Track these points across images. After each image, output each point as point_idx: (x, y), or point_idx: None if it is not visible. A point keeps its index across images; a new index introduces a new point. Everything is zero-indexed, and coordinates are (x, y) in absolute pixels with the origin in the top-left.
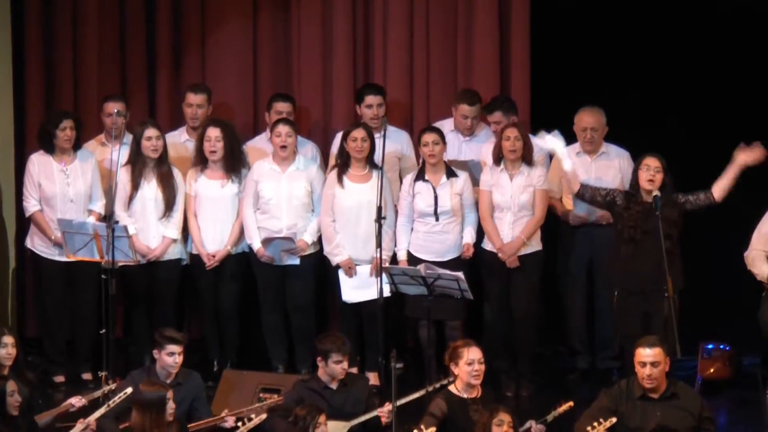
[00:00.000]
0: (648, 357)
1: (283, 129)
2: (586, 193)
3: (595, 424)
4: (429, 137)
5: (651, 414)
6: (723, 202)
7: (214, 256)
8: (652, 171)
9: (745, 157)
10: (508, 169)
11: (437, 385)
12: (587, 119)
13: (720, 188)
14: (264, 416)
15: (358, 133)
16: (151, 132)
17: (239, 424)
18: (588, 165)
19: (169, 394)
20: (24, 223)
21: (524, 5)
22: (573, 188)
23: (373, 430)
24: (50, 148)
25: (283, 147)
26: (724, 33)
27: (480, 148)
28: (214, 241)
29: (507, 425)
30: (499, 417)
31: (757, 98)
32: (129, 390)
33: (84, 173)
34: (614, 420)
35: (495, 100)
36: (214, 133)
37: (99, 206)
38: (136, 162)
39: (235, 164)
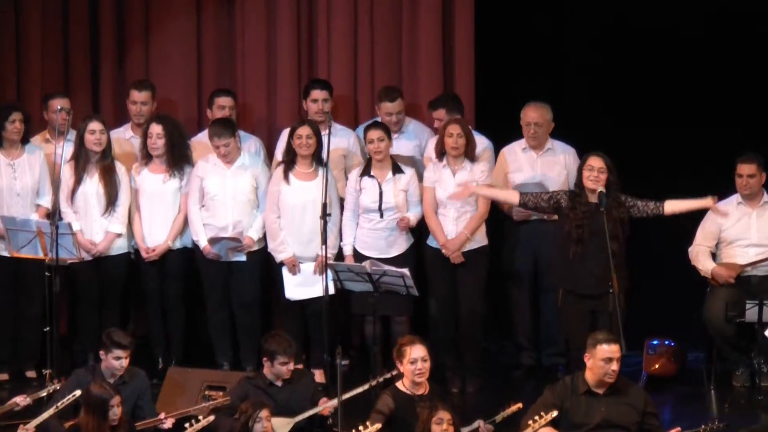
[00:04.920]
0: (614, 353)
1: (219, 141)
2: (528, 202)
3: (536, 417)
4: (374, 134)
5: (596, 409)
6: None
7: (154, 250)
8: (596, 171)
9: (713, 208)
10: (450, 165)
11: (381, 379)
12: (531, 114)
13: (674, 208)
14: (212, 418)
15: (304, 131)
16: (94, 125)
17: (186, 425)
18: (533, 161)
19: (115, 401)
20: None
21: (468, 0)
22: (513, 202)
23: (318, 424)
24: None
25: (224, 155)
26: (666, 26)
27: (410, 143)
28: (154, 235)
29: (447, 423)
30: (438, 415)
31: (700, 85)
32: (78, 392)
33: (32, 167)
34: (555, 413)
35: (440, 97)
36: (156, 129)
37: (46, 201)
38: (79, 157)
39: (176, 160)
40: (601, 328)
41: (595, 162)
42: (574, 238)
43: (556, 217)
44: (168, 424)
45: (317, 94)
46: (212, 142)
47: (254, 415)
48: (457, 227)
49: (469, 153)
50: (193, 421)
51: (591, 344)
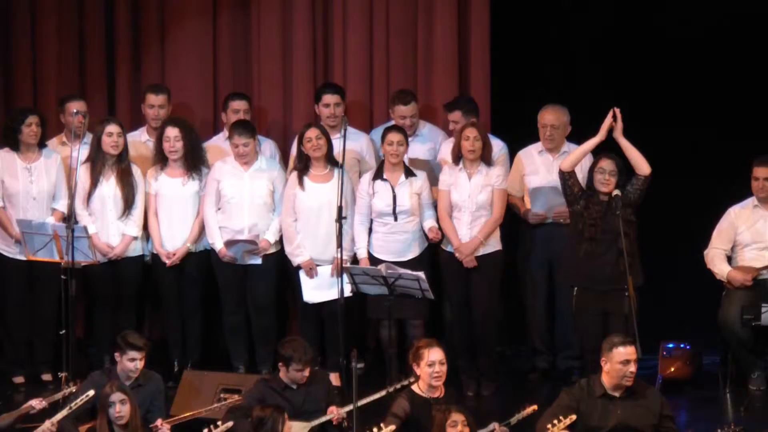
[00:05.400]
0: (631, 354)
1: (239, 140)
2: (572, 177)
3: (555, 421)
4: (395, 137)
5: (612, 412)
6: (685, 201)
7: (174, 254)
8: (607, 174)
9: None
10: (466, 169)
11: (398, 386)
12: (548, 117)
13: (634, 164)
14: (230, 424)
15: (312, 133)
16: (112, 128)
17: (205, 430)
18: (550, 164)
19: (115, 396)
20: None
21: (484, 4)
22: (571, 162)
23: (333, 429)
24: (15, 145)
25: (242, 155)
26: (686, 31)
27: (424, 147)
28: (174, 239)
29: (461, 425)
30: (452, 418)
31: (714, 86)
32: (91, 393)
33: (48, 171)
34: (574, 417)
35: (456, 99)
36: (173, 132)
37: (62, 205)
38: (96, 159)
39: (195, 162)
40: (614, 330)
41: (606, 164)
42: (586, 236)
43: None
44: (164, 430)
45: (329, 98)
46: (231, 141)
47: (281, 418)
48: (471, 231)
49: (486, 156)
50: (212, 426)
51: (607, 348)
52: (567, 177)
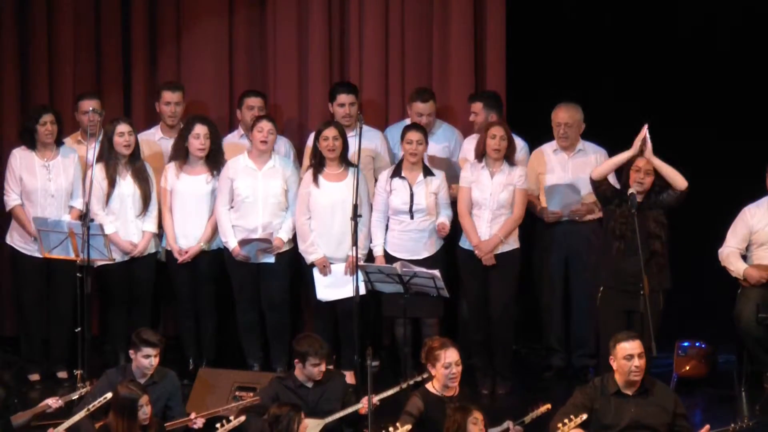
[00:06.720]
0: (635, 349)
1: (265, 125)
2: (603, 184)
3: (566, 420)
4: (414, 135)
5: (625, 410)
6: (702, 202)
7: (186, 252)
8: (642, 173)
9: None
10: (489, 167)
11: (411, 382)
12: (561, 115)
13: (670, 181)
14: (242, 418)
15: (330, 132)
16: (122, 128)
17: (217, 425)
18: (565, 162)
19: (143, 399)
20: (2, 219)
21: (500, 3)
22: (601, 173)
23: (348, 425)
24: (32, 143)
25: (264, 142)
26: (701, 31)
27: (439, 145)
28: (190, 236)
29: (481, 423)
30: (474, 415)
31: (733, 85)
32: (109, 395)
33: (66, 169)
34: (585, 416)
35: (481, 92)
36: (203, 130)
37: (79, 203)
38: (110, 159)
39: (220, 159)
40: (635, 329)
41: (643, 164)
42: (617, 234)
43: (587, 218)
44: (199, 423)
45: (344, 98)
46: (258, 123)
47: (297, 417)
48: (491, 230)
49: (509, 156)
50: (224, 421)
51: (612, 345)
52: (598, 185)
